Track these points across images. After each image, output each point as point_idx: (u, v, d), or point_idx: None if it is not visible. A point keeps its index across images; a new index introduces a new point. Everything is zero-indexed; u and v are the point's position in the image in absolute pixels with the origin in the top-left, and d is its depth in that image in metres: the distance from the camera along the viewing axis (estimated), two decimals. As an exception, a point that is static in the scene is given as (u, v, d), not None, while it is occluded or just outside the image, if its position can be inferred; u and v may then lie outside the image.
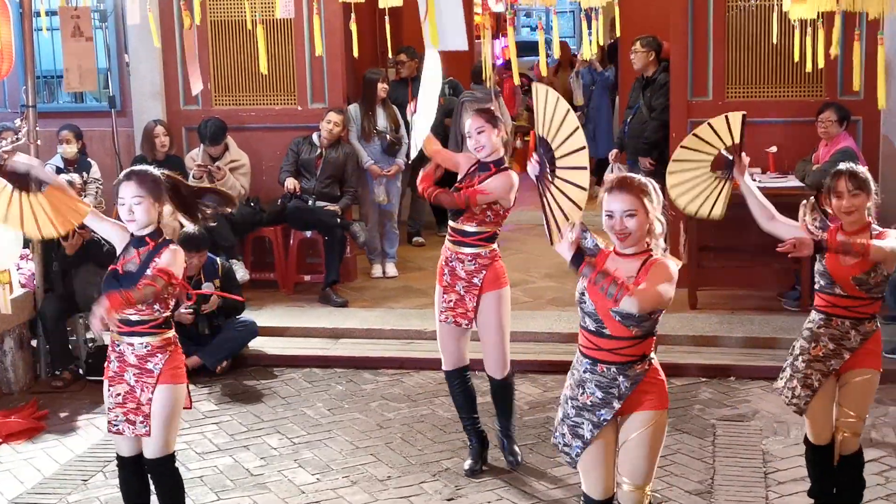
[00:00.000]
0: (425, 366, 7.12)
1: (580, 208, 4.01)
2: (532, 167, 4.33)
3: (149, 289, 4.34)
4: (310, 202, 8.71)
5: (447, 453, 5.97)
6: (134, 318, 4.46)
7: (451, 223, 5.60)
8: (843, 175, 4.66)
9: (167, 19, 8.87)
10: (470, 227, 5.50)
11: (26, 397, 6.99)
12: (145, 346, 4.47)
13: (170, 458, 4.64)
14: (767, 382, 6.91)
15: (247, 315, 7.68)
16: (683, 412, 6.51)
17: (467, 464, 5.73)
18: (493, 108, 9.87)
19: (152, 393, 4.48)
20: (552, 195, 4.08)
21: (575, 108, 10.78)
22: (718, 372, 7.05)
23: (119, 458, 4.72)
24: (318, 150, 8.78)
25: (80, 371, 7.34)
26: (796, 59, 6.14)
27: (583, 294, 4.03)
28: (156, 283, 4.35)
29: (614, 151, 9.41)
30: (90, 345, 7.42)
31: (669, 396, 6.73)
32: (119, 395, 4.52)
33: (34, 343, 7.37)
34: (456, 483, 5.60)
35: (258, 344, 7.68)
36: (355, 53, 7.40)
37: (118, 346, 4.51)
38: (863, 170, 4.71)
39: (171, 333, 4.57)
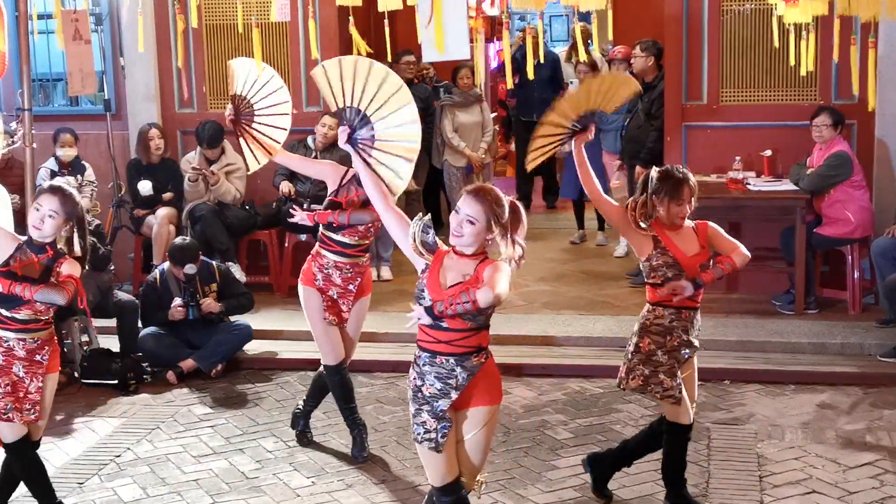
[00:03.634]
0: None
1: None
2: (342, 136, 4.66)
3: (55, 294, 4.76)
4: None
5: (442, 456, 5.96)
6: (22, 316, 4.82)
7: (329, 234, 5.84)
8: (686, 184, 4.83)
9: (162, 22, 8.87)
10: (352, 241, 5.85)
11: (21, 400, 6.99)
12: (36, 341, 4.90)
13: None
14: (762, 386, 6.94)
15: (241, 318, 7.69)
16: (678, 415, 6.52)
17: (361, 454, 5.96)
18: (479, 109, 9.98)
19: (41, 382, 4.93)
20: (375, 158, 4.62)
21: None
22: (713, 375, 7.04)
23: (7, 445, 5.00)
24: (313, 154, 8.78)
25: (76, 374, 7.33)
26: (791, 63, 6.17)
27: (422, 291, 4.13)
28: (67, 287, 4.80)
29: (617, 161, 9.41)
30: (85, 348, 7.43)
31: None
32: (7, 384, 4.87)
33: (29, 346, 7.35)
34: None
35: (253, 347, 7.69)
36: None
37: (6, 342, 4.85)
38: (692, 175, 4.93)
39: (52, 328, 5.01)
